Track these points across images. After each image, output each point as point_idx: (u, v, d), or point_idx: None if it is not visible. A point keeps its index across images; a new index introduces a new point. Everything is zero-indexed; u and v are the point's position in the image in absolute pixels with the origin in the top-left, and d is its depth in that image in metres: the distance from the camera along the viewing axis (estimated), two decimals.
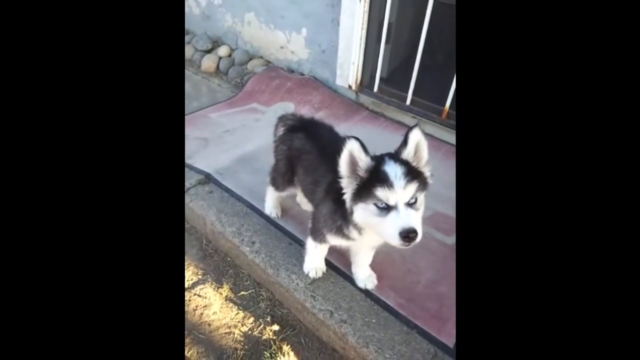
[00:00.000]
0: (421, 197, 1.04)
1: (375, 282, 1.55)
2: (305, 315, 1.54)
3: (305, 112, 2.80)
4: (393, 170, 0.97)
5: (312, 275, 1.57)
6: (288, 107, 2.87)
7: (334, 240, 1.31)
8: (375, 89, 2.75)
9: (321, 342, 1.53)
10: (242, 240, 1.72)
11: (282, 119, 1.62)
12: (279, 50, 3.35)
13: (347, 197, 1.05)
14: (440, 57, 2.89)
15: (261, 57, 3.52)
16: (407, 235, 0.94)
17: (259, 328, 1.58)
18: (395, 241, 0.97)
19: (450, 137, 2.49)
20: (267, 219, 1.84)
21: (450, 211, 1.97)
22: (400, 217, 0.95)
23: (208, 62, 3.51)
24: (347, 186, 1.04)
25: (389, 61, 2.76)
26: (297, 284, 1.54)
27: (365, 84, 2.83)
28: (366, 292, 1.53)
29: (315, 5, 2.87)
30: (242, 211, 1.87)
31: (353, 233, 1.19)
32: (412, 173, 0.99)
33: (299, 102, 2.89)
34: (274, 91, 3.01)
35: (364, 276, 1.55)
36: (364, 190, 0.99)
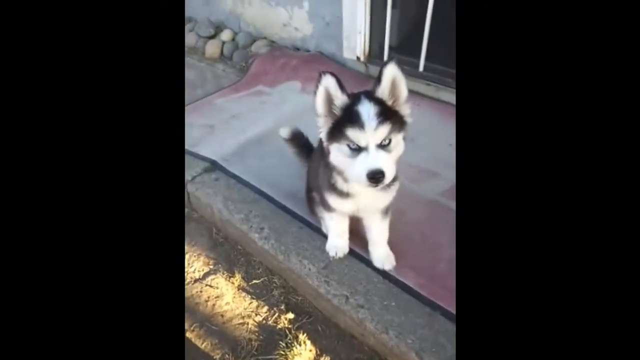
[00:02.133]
0: (397, 138, 1.00)
1: (394, 262, 1.45)
2: (320, 301, 1.46)
3: (312, 89, 2.67)
4: (366, 110, 0.93)
5: (332, 254, 1.48)
6: (294, 86, 2.74)
7: (336, 203, 1.25)
8: (385, 58, 2.56)
9: (339, 329, 1.45)
10: (251, 227, 1.64)
11: None
12: (282, 28, 3.20)
13: (323, 136, 1.02)
14: (452, 18, 2.65)
15: (265, 38, 3.38)
16: (374, 176, 0.94)
17: (274, 317, 1.51)
18: (363, 182, 0.97)
19: None
20: (277, 203, 1.75)
21: None
22: (368, 159, 0.94)
23: (212, 48, 3.41)
24: (323, 125, 1.02)
25: (397, 27, 2.56)
26: (310, 269, 1.46)
27: (374, 54, 2.65)
28: (384, 274, 1.43)
29: None
30: (249, 197, 1.79)
31: (344, 185, 1.16)
32: (386, 113, 0.94)
33: (305, 79, 2.75)
34: (279, 71, 2.89)
35: (382, 255, 1.45)
36: (338, 130, 0.96)
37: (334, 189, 1.19)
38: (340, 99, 0.97)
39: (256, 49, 3.29)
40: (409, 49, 2.49)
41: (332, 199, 1.25)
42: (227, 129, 2.33)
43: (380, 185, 0.97)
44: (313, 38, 3.03)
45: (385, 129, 0.94)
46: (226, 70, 3.23)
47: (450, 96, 2.37)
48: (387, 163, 0.96)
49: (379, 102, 0.96)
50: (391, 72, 0.96)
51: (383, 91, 0.97)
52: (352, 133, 0.94)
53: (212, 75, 3.18)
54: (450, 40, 2.34)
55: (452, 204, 1.71)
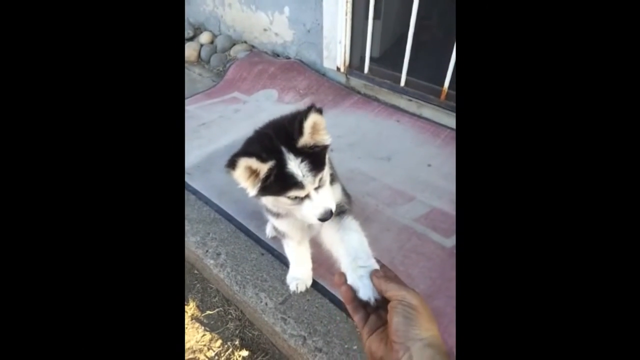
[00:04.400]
0: (326, 170, 0.97)
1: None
2: (277, 339, 1.32)
3: (289, 99, 2.54)
4: (297, 169, 0.89)
5: (292, 288, 1.35)
6: (271, 94, 2.61)
7: (281, 225, 1.17)
8: (366, 70, 2.46)
9: None
10: (207, 251, 1.50)
11: None
12: (263, 33, 3.07)
13: (251, 194, 0.94)
14: (437, 32, 2.56)
15: (245, 42, 3.25)
16: (325, 217, 0.94)
17: (227, 353, 1.37)
18: (317, 224, 0.99)
19: (451, 120, 2.20)
20: (238, 224, 1.61)
21: (449, 207, 1.71)
22: (315, 205, 0.94)
23: (189, 51, 3.26)
24: (249, 188, 0.93)
25: (380, 39, 2.46)
26: (266, 304, 1.32)
27: (355, 66, 2.54)
28: (347, 312, 1.30)
29: None
30: (209, 217, 1.64)
31: (274, 207, 1.11)
32: (315, 161, 0.91)
33: (282, 88, 2.63)
34: (256, 78, 2.75)
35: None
36: (270, 189, 0.92)
37: (268, 210, 1.14)
38: (264, 168, 0.87)
39: (235, 53, 3.15)
40: (391, 62, 2.39)
41: (272, 220, 1.18)
42: (194, 138, 2.18)
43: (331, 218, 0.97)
44: (294, 44, 2.91)
45: (319, 175, 0.92)
46: (202, 74, 3.08)
47: (432, 113, 2.27)
48: (329, 198, 0.97)
49: (305, 154, 0.89)
50: (311, 120, 0.88)
51: (305, 140, 0.89)
52: (292, 193, 0.91)
53: (187, 79, 3.02)
54: (434, 55, 2.27)
55: (428, 232, 1.60)
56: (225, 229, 1.58)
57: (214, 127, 2.30)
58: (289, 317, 1.27)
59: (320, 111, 0.90)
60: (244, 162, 0.84)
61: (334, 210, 0.97)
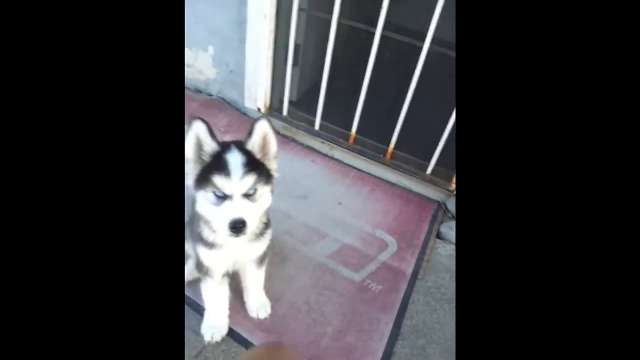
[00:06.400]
0: (263, 190, 1.02)
1: (269, 310, 1.46)
2: None
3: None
4: (234, 159, 0.95)
5: (207, 338, 1.34)
6: None
7: (206, 256, 1.18)
8: (285, 112, 2.62)
9: None
10: None
11: None
12: (186, 69, 3.07)
13: (190, 183, 1.01)
14: (348, 82, 2.86)
15: None
16: (235, 225, 0.94)
17: None
18: (225, 231, 0.96)
19: (358, 162, 2.44)
20: None
21: (359, 243, 1.88)
22: (232, 208, 0.95)
23: None
24: (191, 172, 1.00)
25: (298, 84, 2.65)
26: None
27: (275, 108, 2.68)
28: None
29: (222, 23, 2.67)
30: None
31: (210, 235, 1.13)
32: (253, 164, 0.97)
33: None
34: None
35: (257, 304, 1.44)
36: (205, 177, 0.97)
37: (201, 239, 1.15)
38: (210, 145, 0.97)
39: None
40: (307, 106, 2.59)
41: (202, 252, 1.18)
42: None
43: (242, 235, 0.98)
44: (217, 83, 2.96)
45: (251, 179, 0.96)
46: None
47: (342, 155, 2.49)
48: (250, 213, 0.97)
49: (248, 154, 0.98)
50: (262, 128, 0.99)
51: (254, 145, 1.00)
52: (218, 180, 0.94)
53: None
54: (344, 102, 2.52)
55: (339, 268, 1.74)
56: None
57: None
58: None
59: (272, 126, 1.01)
60: (198, 126, 0.93)
61: (248, 224, 0.96)
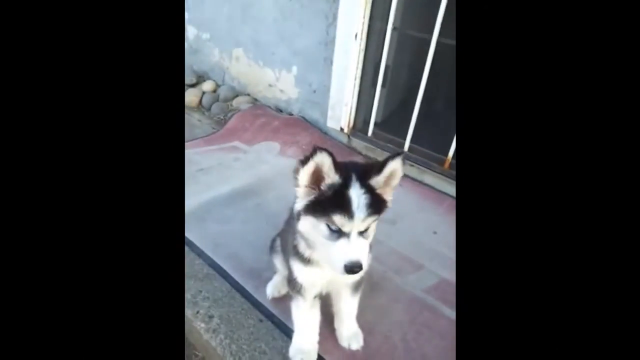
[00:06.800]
0: (375, 224, 0.95)
1: (362, 342, 1.28)
2: None
3: (292, 153, 2.52)
4: (357, 197, 0.88)
5: None
6: (273, 147, 2.59)
7: (301, 272, 1.10)
8: (370, 133, 2.51)
9: None
10: (197, 312, 1.32)
11: None
12: (268, 88, 3.14)
13: (299, 206, 0.95)
14: (440, 104, 2.70)
15: (248, 95, 3.30)
16: (352, 268, 0.89)
17: None
18: (339, 272, 0.91)
19: (453, 189, 2.21)
20: (234, 283, 1.46)
21: None
22: (349, 248, 0.89)
23: (190, 96, 3.26)
24: (302, 196, 0.95)
25: (384, 105, 2.55)
26: None
27: (358, 128, 2.59)
28: None
29: (307, 43, 2.70)
30: (201, 272, 1.48)
31: (306, 251, 1.05)
32: (375, 204, 0.90)
33: (285, 142, 2.61)
34: (259, 130, 2.74)
35: (349, 333, 1.29)
36: (320, 206, 0.91)
37: (297, 254, 1.07)
38: (332, 178, 0.90)
39: (237, 103, 3.18)
40: (394, 127, 2.46)
41: (296, 267, 1.10)
42: (191, 184, 2.07)
43: (356, 276, 0.92)
44: (298, 102, 2.97)
45: (371, 220, 0.91)
46: (202, 120, 3.06)
47: (433, 180, 2.28)
48: (365, 252, 0.92)
49: (371, 191, 0.90)
50: (395, 165, 0.92)
51: (378, 181, 0.92)
52: (338, 219, 0.88)
53: (186, 123, 2.97)
54: (437, 125, 2.36)
55: (439, 305, 1.49)
56: (220, 288, 1.42)
57: (212, 174, 2.20)
58: None
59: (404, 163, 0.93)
60: (321, 158, 0.86)
61: (364, 267, 0.91)
